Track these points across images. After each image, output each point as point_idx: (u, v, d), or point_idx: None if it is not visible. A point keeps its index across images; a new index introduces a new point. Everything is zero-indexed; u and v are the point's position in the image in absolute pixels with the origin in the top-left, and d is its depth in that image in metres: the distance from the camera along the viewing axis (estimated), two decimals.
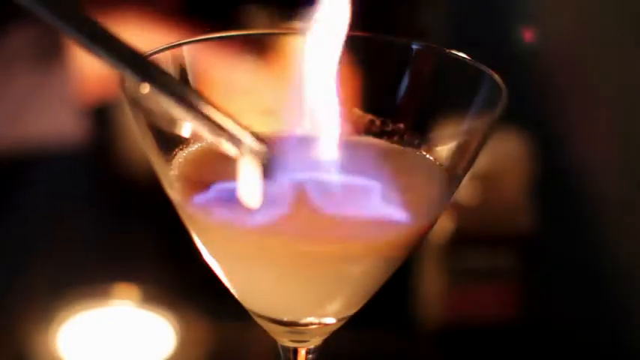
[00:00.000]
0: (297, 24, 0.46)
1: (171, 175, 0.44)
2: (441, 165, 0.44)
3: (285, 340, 0.47)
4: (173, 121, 0.44)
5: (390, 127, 0.47)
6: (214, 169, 0.43)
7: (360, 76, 0.48)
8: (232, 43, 0.48)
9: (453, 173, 0.44)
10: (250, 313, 0.46)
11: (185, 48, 0.46)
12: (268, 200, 0.40)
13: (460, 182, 0.45)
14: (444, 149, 0.44)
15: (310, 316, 0.45)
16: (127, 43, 0.40)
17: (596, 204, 1.06)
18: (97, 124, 1.01)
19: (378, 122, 0.47)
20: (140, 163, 1.03)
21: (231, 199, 0.41)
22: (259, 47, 0.49)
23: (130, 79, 0.40)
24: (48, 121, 0.96)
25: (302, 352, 0.47)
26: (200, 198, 0.43)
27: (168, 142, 0.44)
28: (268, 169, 0.41)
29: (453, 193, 0.46)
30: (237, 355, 0.84)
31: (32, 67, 0.92)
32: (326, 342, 0.47)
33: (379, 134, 0.47)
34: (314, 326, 0.45)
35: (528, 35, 1.24)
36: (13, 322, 0.86)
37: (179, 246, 0.70)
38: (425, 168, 0.44)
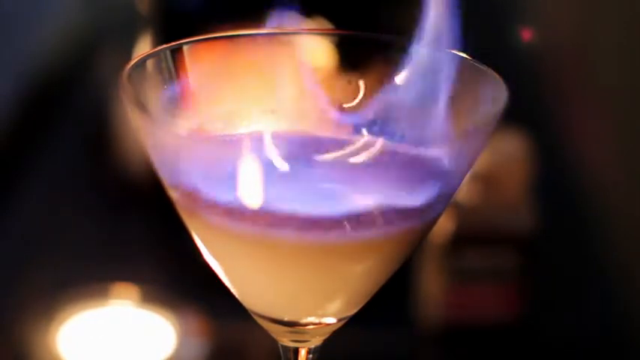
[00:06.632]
0: (300, 25, 0.46)
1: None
2: (441, 165, 0.44)
3: (285, 340, 0.47)
4: (173, 121, 0.44)
5: (390, 127, 0.47)
6: (214, 168, 0.43)
7: (360, 75, 0.48)
8: (233, 42, 0.48)
9: (453, 173, 0.44)
10: (250, 313, 0.46)
11: (186, 47, 0.46)
12: (269, 199, 0.40)
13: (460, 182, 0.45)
14: (444, 149, 0.44)
15: (311, 316, 0.45)
16: None
17: (595, 204, 1.06)
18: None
19: (378, 122, 0.47)
20: (140, 163, 1.03)
21: (231, 198, 0.41)
22: (260, 47, 0.49)
23: None
24: None
25: (302, 352, 0.47)
26: (200, 197, 0.43)
27: None
28: (270, 169, 0.41)
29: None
30: (237, 355, 0.84)
31: None
32: (326, 342, 0.47)
33: (379, 134, 0.47)
34: (314, 326, 0.45)
35: (528, 35, 1.24)
36: (12, 322, 0.85)
37: (179, 246, 0.70)
38: (425, 167, 0.44)
